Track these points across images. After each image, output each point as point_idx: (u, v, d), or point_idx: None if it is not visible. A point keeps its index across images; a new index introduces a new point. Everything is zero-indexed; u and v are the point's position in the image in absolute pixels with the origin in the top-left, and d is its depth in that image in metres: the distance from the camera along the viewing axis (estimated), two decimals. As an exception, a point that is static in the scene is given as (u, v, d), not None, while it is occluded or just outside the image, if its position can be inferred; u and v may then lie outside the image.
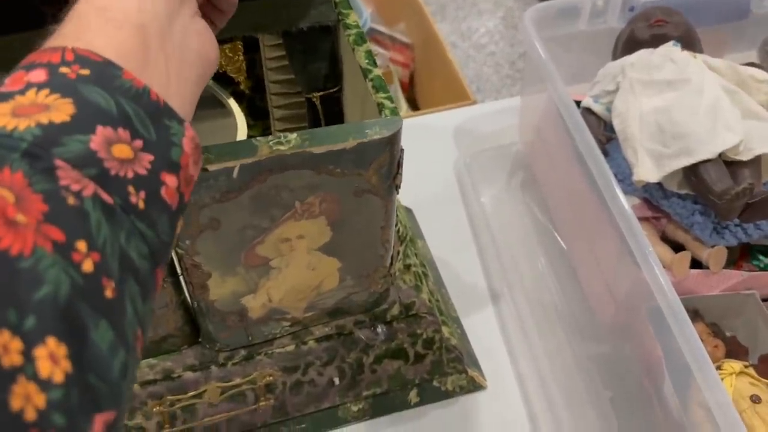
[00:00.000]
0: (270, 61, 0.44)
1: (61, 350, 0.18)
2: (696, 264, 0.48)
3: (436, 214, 0.60)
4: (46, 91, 0.22)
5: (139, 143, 0.23)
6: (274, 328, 0.44)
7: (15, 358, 0.17)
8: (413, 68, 1.16)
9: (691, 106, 0.47)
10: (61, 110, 0.22)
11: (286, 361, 0.45)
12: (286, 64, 0.44)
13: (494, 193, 0.62)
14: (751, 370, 0.45)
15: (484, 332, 0.53)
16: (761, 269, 0.51)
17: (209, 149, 0.33)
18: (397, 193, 0.39)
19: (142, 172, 0.23)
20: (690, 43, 0.54)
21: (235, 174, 0.33)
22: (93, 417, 0.19)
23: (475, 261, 0.58)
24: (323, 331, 0.46)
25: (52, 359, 0.18)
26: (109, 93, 0.23)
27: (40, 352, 0.17)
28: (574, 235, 0.56)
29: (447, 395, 0.50)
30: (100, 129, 0.22)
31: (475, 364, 0.51)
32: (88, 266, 0.20)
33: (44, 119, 0.21)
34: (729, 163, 0.47)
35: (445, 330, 0.49)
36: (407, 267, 0.49)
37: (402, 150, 0.37)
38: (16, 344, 0.17)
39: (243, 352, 0.45)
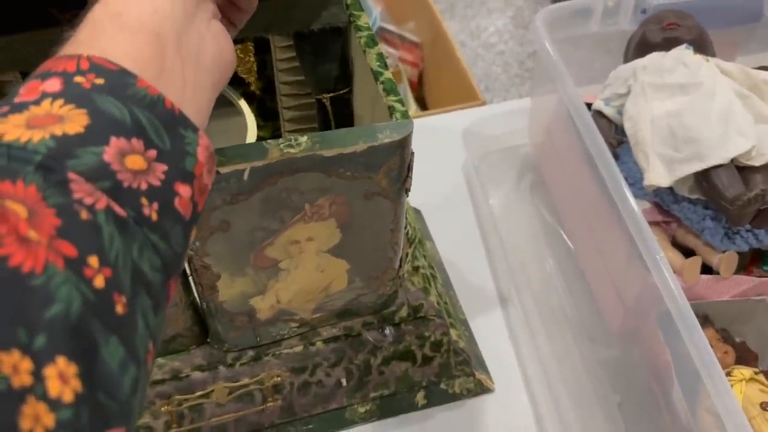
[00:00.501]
0: (281, 62, 0.44)
1: (71, 369, 0.18)
2: (706, 269, 0.48)
3: (445, 215, 0.60)
4: (60, 102, 0.22)
5: (152, 153, 0.23)
6: (282, 329, 0.44)
7: (25, 379, 0.17)
8: (422, 67, 1.15)
9: (703, 111, 0.47)
10: (75, 121, 0.22)
11: (294, 362, 0.45)
12: (296, 65, 0.44)
13: (503, 194, 0.62)
14: (761, 377, 0.44)
15: (491, 334, 0.53)
16: (772, 275, 0.50)
17: (220, 151, 0.33)
18: (407, 196, 0.39)
19: (156, 183, 0.23)
20: (702, 46, 0.54)
21: (245, 176, 0.34)
22: None
23: (483, 263, 0.58)
24: (331, 333, 0.46)
25: (62, 379, 0.18)
26: (123, 102, 0.23)
27: (50, 372, 0.17)
28: (584, 239, 0.56)
29: (454, 398, 0.49)
30: (113, 140, 0.22)
31: (483, 367, 0.51)
32: (99, 282, 0.20)
33: (58, 131, 0.21)
34: (741, 169, 0.47)
35: (453, 332, 0.49)
36: (416, 269, 0.49)
37: (412, 153, 0.37)
38: (27, 364, 0.17)
39: (251, 353, 0.45)
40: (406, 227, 0.44)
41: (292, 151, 0.33)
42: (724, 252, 0.47)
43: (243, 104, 0.46)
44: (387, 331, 0.47)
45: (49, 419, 0.17)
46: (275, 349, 0.45)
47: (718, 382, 0.38)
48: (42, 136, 0.21)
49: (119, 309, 0.20)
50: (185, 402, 0.43)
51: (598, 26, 0.60)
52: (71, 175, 0.20)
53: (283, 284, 0.41)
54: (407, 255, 0.48)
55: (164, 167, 0.23)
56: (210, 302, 0.40)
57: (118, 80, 0.23)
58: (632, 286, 0.47)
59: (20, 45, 0.39)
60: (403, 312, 0.47)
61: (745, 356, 0.47)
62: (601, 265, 0.52)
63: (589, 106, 0.54)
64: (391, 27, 1.16)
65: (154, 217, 0.23)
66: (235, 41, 0.42)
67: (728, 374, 0.44)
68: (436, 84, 1.10)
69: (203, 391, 0.44)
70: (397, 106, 0.37)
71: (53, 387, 0.17)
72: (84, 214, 0.20)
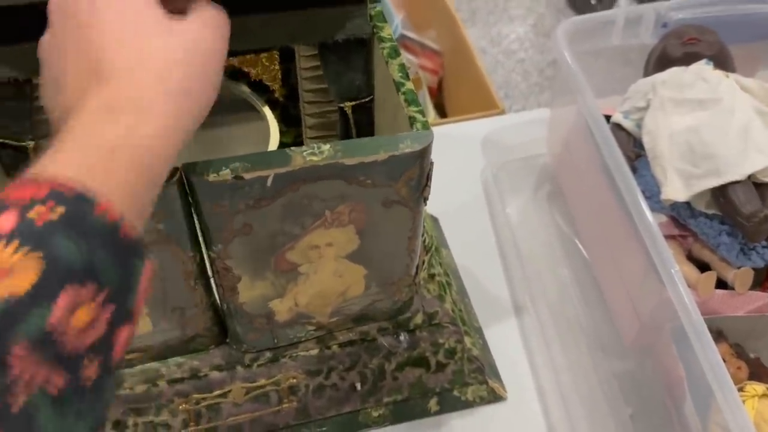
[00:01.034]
0: (305, 71, 0.45)
1: None
2: (721, 284, 0.48)
3: (462, 223, 0.61)
4: (13, 246, 0.21)
5: (102, 296, 0.22)
6: (299, 331, 0.45)
7: None
8: (442, 75, 1.16)
9: (721, 127, 0.47)
10: (25, 274, 0.21)
11: (310, 365, 0.46)
12: (320, 74, 0.45)
13: (520, 204, 0.62)
14: (775, 393, 0.45)
15: (505, 343, 0.54)
16: (788, 292, 0.50)
17: (245, 158, 0.34)
18: (425, 205, 0.40)
19: (100, 333, 0.22)
20: (723, 62, 0.54)
21: (269, 183, 0.34)
22: None
23: (498, 271, 0.58)
24: (347, 337, 0.47)
25: None
26: (79, 239, 0.22)
27: None
28: (600, 250, 0.56)
29: (467, 405, 0.50)
30: (64, 293, 0.21)
31: (496, 375, 0.51)
32: None
33: (4, 291, 0.20)
34: (758, 185, 0.47)
35: (467, 340, 0.50)
36: (431, 276, 0.50)
37: (431, 163, 0.38)
38: None
39: (268, 354, 0.46)
40: (423, 235, 0.44)
41: (314, 159, 0.34)
42: (739, 267, 0.48)
43: (267, 110, 0.47)
44: (402, 337, 0.47)
45: None
46: (292, 352, 0.46)
47: (730, 398, 0.38)
48: None
49: None
50: (203, 401, 0.44)
51: (619, 39, 0.61)
52: (14, 348, 0.20)
53: (301, 288, 0.42)
54: (423, 262, 0.49)
55: (111, 308, 0.23)
56: (230, 303, 0.41)
57: (76, 209, 0.23)
58: (647, 300, 0.47)
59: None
60: (418, 319, 0.48)
61: (758, 372, 0.47)
62: (616, 278, 0.52)
63: (607, 118, 0.54)
64: (412, 34, 1.16)
65: (93, 375, 0.22)
66: (262, 50, 0.44)
67: (741, 390, 0.44)
68: (455, 91, 1.10)
69: (221, 391, 0.45)
70: (418, 116, 0.37)
71: None
72: (17, 405, 0.20)
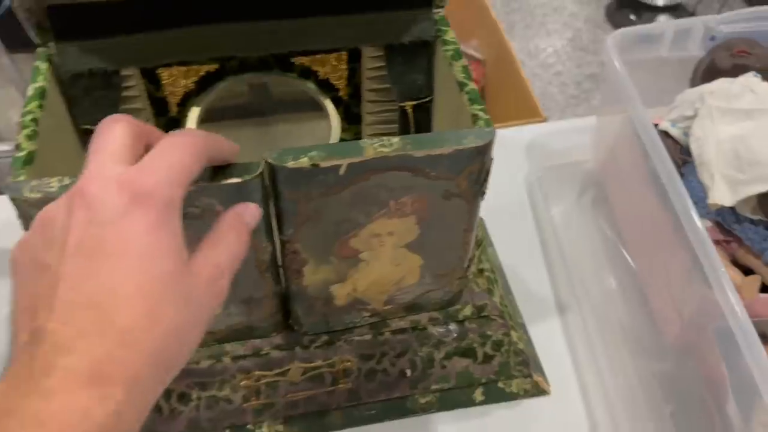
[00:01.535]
0: (369, 71, 0.48)
1: None
2: (765, 289, 0.50)
3: (507, 224, 0.63)
4: None
5: None
6: (355, 317, 0.48)
7: None
8: (483, 84, 1.18)
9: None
10: None
11: (363, 349, 0.48)
12: (384, 74, 0.48)
13: (564, 207, 0.64)
14: (816, 397, 0.45)
15: (549, 341, 0.55)
16: (831, 300, 0.51)
17: (322, 147, 0.36)
18: (482, 199, 0.42)
19: None
20: (771, 74, 0.55)
21: (342, 171, 0.37)
22: None
23: (542, 272, 0.60)
24: (399, 325, 0.49)
25: None
26: None
27: None
28: (644, 253, 0.57)
29: (511, 397, 0.52)
30: None
31: (540, 370, 0.53)
32: None
33: None
34: (805, 193, 0.48)
35: (513, 334, 0.51)
36: (481, 271, 0.52)
37: (491, 159, 0.40)
38: None
39: (325, 338, 0.48)
40: (476, 229, 0.46)
41: (384, 150, 0.37)
42: (784, 273, 0.49)
43: (331, 108, 0.50)
44: (451, 328, 0.50)
45: None
46: (347, 336, 0.48)
47: (774, 395, 0.39)
48: None
49: None
50: (263, 378, 0.47)
51: (667, 51, 0.62)
52: None
53: (361, 274, 0.44)
54: (474, 256, 0.51)
55: None
56: (295, 286, 0.44)
57: None
58: (691, 301, 0.48)
59: (142, 43, 0.43)
60: (467, 311, 0.50)
61: (800, 376, 0.48)
62: (660, 279, 0.54)
63: (653, 127, 0.56)
64: (454, 43, 1.19)
65: None
66: (332, 50, 0.47)
67: (783, 391, 0.46)
68: (497, 100, 1.12)
69: (280, 369, 0.47)
70: (481, 114, 0.40)
71: None
72: None
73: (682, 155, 0.55)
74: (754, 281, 0.48)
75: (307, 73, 0.47)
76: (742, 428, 0.43)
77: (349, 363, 0.48)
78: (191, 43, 0.44)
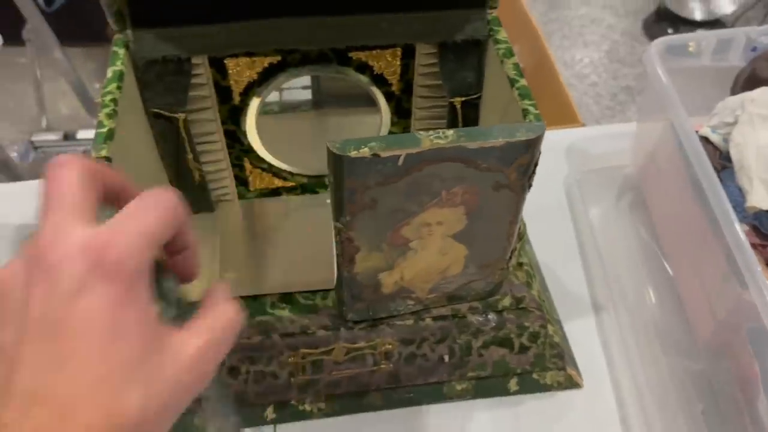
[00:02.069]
0: (422, 67, 0.50)
1: None
2: (800, 294, 0.51)
3: (545, 224, 0.64)
4: None
5: None
6: (399, 305, 0.50)
7: None
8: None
9: (810, 144, 0.50)
10: None
11: (404, 333, 0.50)
12: (436, 71, 0.50)
13: (602, 210, 0.66)
14: None
15: (583, 337, 0.57)
16: None
17: (382, 139, 0.38)
18: (529, 191, 0.44)
19: None
20: (813, 85, 0.56)
21: (400, 162, 0.39)
22: None
23: (579, 271, 0.61)
24: (440, 312, 0.51)
25: None
26: None
27: None
28: (679, 255, 0.59)
29: (544, 388, 0.53)
30: None
31: (574, 364, 0.55)
32: None
33: None
34: (844, 201, 0.49)
35: (549, 327, 0.53)
36: (520, 265, 0.54)
37: (540, 152, 0.42)
38: None
39: (369, 320, 0.50)
40: (519, 223, 0.48)
41: (440, 142, 0.39)
42: (819, 279, 0.50)
43: (383, 102, 0.52)
44: (490, 317, 0.51)
45: None
46: (390, 320, 0.50)
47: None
48: None
49: None
50: (309, 356, 0.49)
51: (708, 61, 0.64)
52: None
53: (409, 263, 0.46)
54: (516, 249, 0.53)
55: None
56: (346, 273, 0.46)
57: None
58: (726, 301, 0.50)
59: (212, 34, 0.46)
60: (506, 301, 0.52)
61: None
62: (695, 280, 0.55)
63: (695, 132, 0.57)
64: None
65: None
66: (388, 46, 0.49)
67: (815, 393, 0.47)
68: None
69: (325, 348, 0.49)
70: (531, 109, 0.42)
71: None
72: None
73: (721, 160, 0.56)
74: (790, 285, 0.49)
75: (362, 68, 0.50)
76: (773, 426, 0.45)
77: (390, 346, 0.50)
78: (257, 35, 0.46)
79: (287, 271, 0.52)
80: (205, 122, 0.51)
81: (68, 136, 1.29)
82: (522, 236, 0.55)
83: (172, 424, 0.24)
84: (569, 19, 2.06)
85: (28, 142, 1.29)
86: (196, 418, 0.29)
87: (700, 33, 0.62)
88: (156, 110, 0.48)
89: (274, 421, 0.51)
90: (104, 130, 0.39)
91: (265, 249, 0.54)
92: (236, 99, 0.50)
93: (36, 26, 1.19)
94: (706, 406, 0.51)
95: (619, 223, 0.64)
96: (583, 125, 0.89)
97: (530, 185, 0.43)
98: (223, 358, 0.27)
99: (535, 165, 0.42)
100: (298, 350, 0.49)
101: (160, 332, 0.24)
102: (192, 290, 0.48)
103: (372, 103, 0.53)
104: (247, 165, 0.55)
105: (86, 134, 1.30)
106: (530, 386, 0.53)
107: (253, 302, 0.50)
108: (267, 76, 0.49)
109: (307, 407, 0.51)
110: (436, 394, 0.52)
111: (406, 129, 0.55)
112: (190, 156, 0.51)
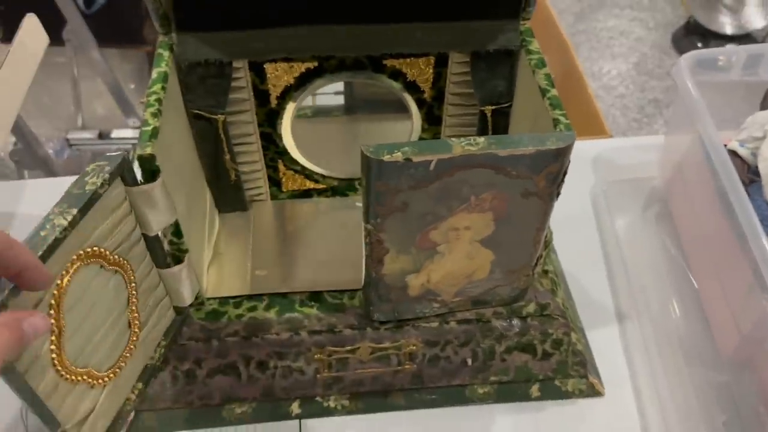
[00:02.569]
0: (454, 76, 0.51)
1: None
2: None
3: (570, 232, 0.65)
4: None
5: None
6: (425, 307, 0.51)
7: None
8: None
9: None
10: None
11: (429, 335, 0.51)
12: (468, 79, 0.51)
13: (628, 221, 0.66)
14: None
15: (606, 346, 0.57)
16: None
17: (415, 144, 0.39)
18: (557, 199, 0.45)
19: None
20: None
21: (432, 167, 0.40)
22: None
23: (603, 281, 0.62)
24: (464, 315, 0.52)
25: None
26: None
27: None
28: (705, 268, 0.59)
29: (566, 396, 0.54)
30: None
31: (596, 372, 0.55)
32: None
33: None
34: None
35: (573, 335, 0.54)
36: (545, 272, 0.55)
37: (569, 161, 0.42)
38: None
39: (394, 321, 0.51)
40: (546, 230, 0.49)
41: (471, 148, 0.40)
42: None
43: (414, 109, 0.54)
44: (514, 322, 0.52)
45: None
46: (415, 321, 0.51)
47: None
48: None
49: None
50: (335, 353, 0.51)
51: (738, 75, 0.64)
52: None
53: (436, 266, 0.47)
54: (542, 256, 0.53)
55: None
56: (374, 274, 0.47)
57: None
58: (750, 314, 0.50)
59: (253, 39, 0.47)
60: (531, 308, 0.52)
61: None
62: (719, 293, 0.55)
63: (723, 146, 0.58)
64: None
65: None
66: (422, 54, 0.50)
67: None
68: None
69: (351, 347, 0.50)
70: (562, 119, 0.42)
71: None
72: None
73: (749, 174, 0.56)
74: (816, 300, 0.49)
75: (396, 75, 0.51)
76: (795, 441, 0.45)
77: (414, 347, 0.51)
78: (295, 41, 0.48)
79: (316, 271, 0.54)
80: (243, 124, 0.52)
81: (103, 135, 1.32)
82: (548, 244, 0.55)
83: None
84: (597, 30, 2.05)
85: (64, 140, 1.32)
86: None
87: (731, 47, 0.63)
88: (196, 111, 0.49)
89: (299, 416, 0.52)
90: (149, 128, 0.41)
91: (295, 248, 0.55)
92: (273, 102, 0.52)
93: (76, 27, 1.22)
94: (728, 418, 0.51)
95: (645, 234, 0.65)
96: (611, 136, 0.90)
97: (558, 193, 0.44)
98: None
99: (564, 174, 0.43)
100: (324, 348, 0.50)
101: None
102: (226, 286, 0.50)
103: (403, 109, 0.54)
104: (281, 167, 0.57)
105: (120, 133, 1.33)
106: (552, 393, 0.54)
107: (282, 299, 0.51)
108: (303, 81, 0.51)
109: (332, 404, 0.52)
110: (459, 396, 0.53)
111: (436, 135, 0.56)
112: (227, 156, 0.53)
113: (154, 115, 0.42)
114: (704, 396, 0.53)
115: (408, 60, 0.50)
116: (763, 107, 0.62)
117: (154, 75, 0.44)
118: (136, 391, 0.44)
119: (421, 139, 0.55)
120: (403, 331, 0.51)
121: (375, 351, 0.51)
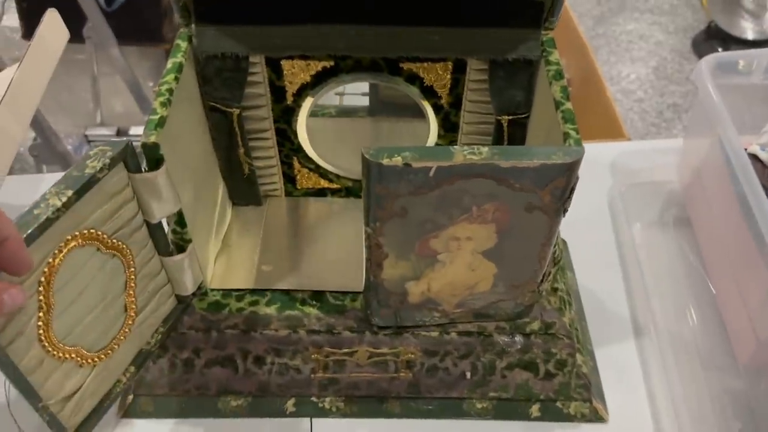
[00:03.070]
0: (472, 83, 0.50)
1: None
2: None
3: (587, 235, 0.64)
4: None
5: None
6: (425, 316, 0.50)
7: None
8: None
9: None
10: None
11: (428, 344, 0.51)
12: (485, 87, 0.50)
13: (645, 224, 0.65)
14: None
15: (621, 351, 0.56)
16: None
17: (415, 149, 0.39)
18: (564, 216, 0.43)
19: None
20: None
21: (431, 173, 0.39)
22: None
23: (619, 284, 0.61)
24: (466, 327, 0.51)
25: None
26: None
27: None
28: (723, 273, 0.57)
29: (567, 418, 0.52)
30: None
31: (601, 397, 0.53)
32: None
33: None
34: None
35: (578, 357, 0.52)
36: (554, 290, 0.53)
37: (578, 177, 0.41)
38: None
39: (394, 327, 0.51)
40: (554, 247, 0.47)
41: (473, 157, 0.39)
42: None
43: (431, 114, 0.53)
44: (517, 339, 0.51)
45: None
46: (415, 329, 0.51)
47: None
48: None
49: None
50: (332, 355, 0.50)
51: (759, 79, 0.62)
52: None
53: (436, 274, 0.47)
54: (550, 274, 0.52)
55: None
56: (374, 278, 0.47)
57: None
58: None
59: (271, 34, 0.48)
60: (535, 325, 0.51)
61: None
62: (737, 300, 0.53)
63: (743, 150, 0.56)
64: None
65: None
66: (440, 59, 0.49)
67: None
68: (582, 119, 1.12)
69: (349, 350, 0.50)
70: (572, 133, 0.41)
71: None
72: None
73: (770, 180, 0.54)
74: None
75: (413, 79, 0.50)
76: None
77: (412, 355, 0.51)
78: (313, 39, 0.48)
79: (322, 270, 0.53)
80: (258, 119, 0.53)
81: (121, 132, 1.34)
82: (558, 261, 0.54)
83: None
84: (617, 34, 2.01)
85: (83, 136, 1.34)
86: None
87: (752, 51, 0.61)
88: (212, 103, 0.50)
89: (294, 414, 0.52)
90: (156, 117, 0.41)
91: (303, 246, 0.55)
92: (289, 99, 0.52)
93: (96, 25, 1.24)
94: (743, 426, 0.49)
95: (662, 239, 0.63)
96: (629, 139, 0.87)
97: (566, 210, 0.43)
98: None
99: (572, 190, 0.41)
100: (322, 348, 0.50)
101: None
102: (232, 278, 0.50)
103: (422, 114, 0.54)
104: (296, 164, 0.57)
105: (138, 130, 1.35)
106: (553, 414, 0.52)
107: (284, 296, 0.51)
108: (320, 80, 0.50)
109: (326, 405, 0.52)
110: (456, 409, 0.52)
111: (452, 143, 0.55)
112: (241, 150, 0.53)
113: (163, 104, 0.42)
114: (720, 403, 0.51)
115: (425, 64, 0.49)
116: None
117: (168, 65, 0.45)
118: (128, 374, 0.45)
119: (437, 145, 0.54)
120: (402, 338, 0.51)
121: (373, 356, 0.51)
